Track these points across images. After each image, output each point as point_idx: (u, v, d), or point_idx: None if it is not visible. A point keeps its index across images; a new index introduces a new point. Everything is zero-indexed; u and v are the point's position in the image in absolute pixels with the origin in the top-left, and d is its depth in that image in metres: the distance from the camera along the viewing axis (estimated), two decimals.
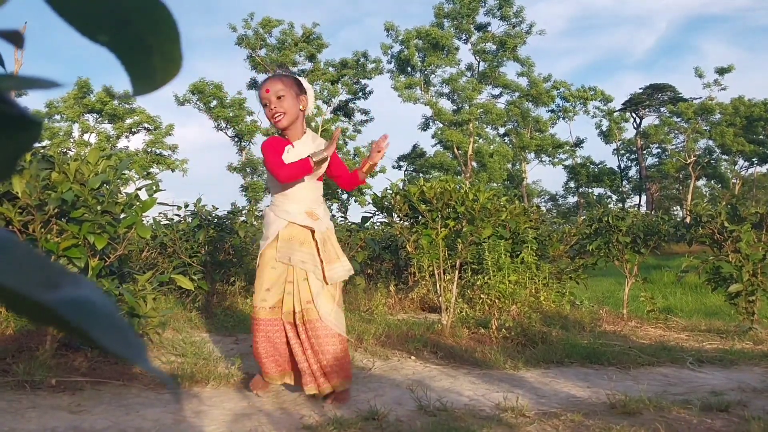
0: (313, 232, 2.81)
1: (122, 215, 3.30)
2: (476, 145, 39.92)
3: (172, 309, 4.48)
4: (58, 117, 38.63)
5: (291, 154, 2.82)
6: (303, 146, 2.86)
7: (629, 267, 6.07)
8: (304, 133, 2.90)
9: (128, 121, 39.49)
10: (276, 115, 2.78)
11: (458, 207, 4.30)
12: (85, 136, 38.66)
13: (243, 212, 5.97)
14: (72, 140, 38.18)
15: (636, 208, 51.58)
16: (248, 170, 41.54)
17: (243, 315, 5.01)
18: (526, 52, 45.59)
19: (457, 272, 4.62)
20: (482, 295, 5.42)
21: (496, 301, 5.37)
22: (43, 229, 3.17)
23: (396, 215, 4.74)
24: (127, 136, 39.72)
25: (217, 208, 5.52)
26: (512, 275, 5.57)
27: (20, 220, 2.98)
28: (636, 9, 79.17)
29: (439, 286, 4.60)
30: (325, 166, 2.86)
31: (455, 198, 4.35)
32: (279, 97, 2.76)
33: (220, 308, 5.32)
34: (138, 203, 3.23)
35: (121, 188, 3.48)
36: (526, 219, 6.26)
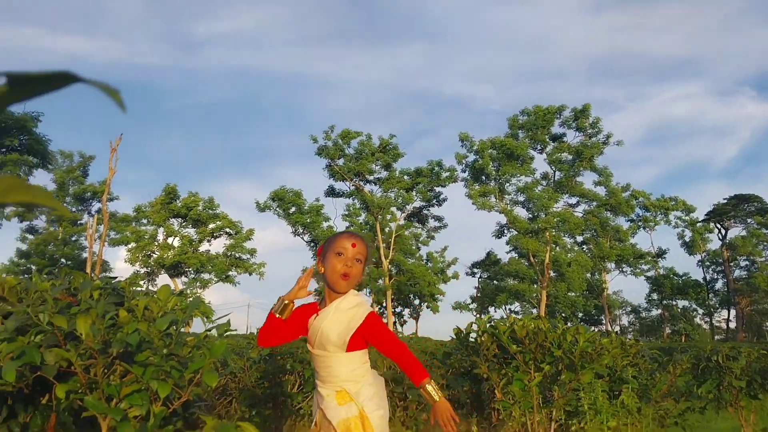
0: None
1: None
2: (553, 253, 38.86)
3: None
4: (144, 221, 40.62)
5: (313, 325, 2.55)
6: (324, 315, 2.55)
7: (744, 414, 5.31)
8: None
9: (211, 225, 41.00)
10: (346, 275, 2.52)
11: (555, 350, 3.84)
12: (170, 240, 40.25)
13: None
14: (156, 243, 39.81)
15: (725, 323, 48.40)
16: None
17: None
18: (603, 161, 45.09)
19: (553, 424, 4.08)
20: None
21: None
22: (106, 370, 2.96)
23: (483, 356, 4.30)
24: (209, 240, 41.13)
25: None
26: (611, 420, 4.96)
27: (81, 364, 2.78)
28: (716, 119, 78.01)
29: None
30: (341, 331, 2.46)
31: (550, 339, 3.90)
32: (357, 260, 2.55)
33: None
34: (207, 346, 2.98)
35: (189, 324, 3.26)
36: (623, 353, 5.68)
